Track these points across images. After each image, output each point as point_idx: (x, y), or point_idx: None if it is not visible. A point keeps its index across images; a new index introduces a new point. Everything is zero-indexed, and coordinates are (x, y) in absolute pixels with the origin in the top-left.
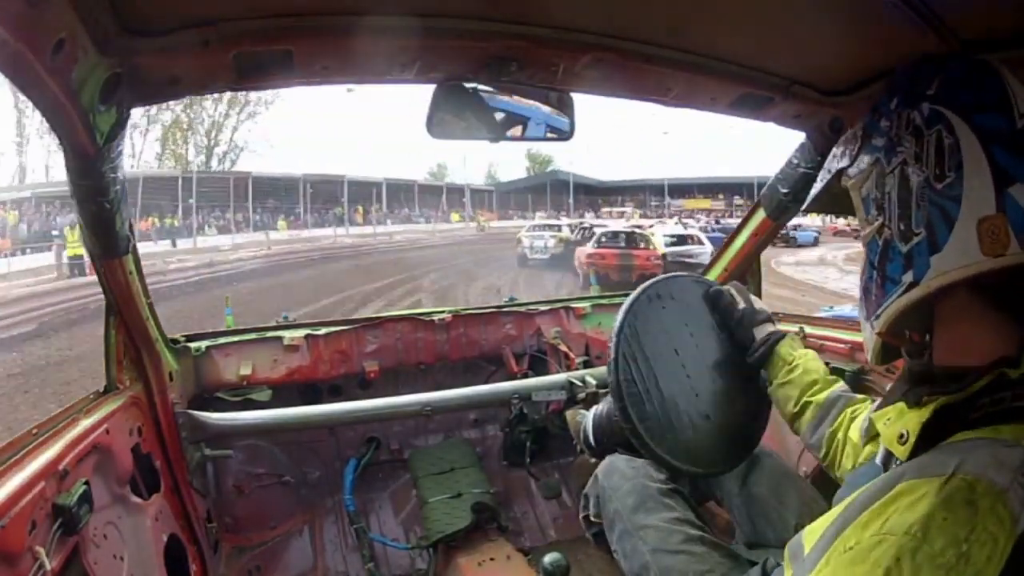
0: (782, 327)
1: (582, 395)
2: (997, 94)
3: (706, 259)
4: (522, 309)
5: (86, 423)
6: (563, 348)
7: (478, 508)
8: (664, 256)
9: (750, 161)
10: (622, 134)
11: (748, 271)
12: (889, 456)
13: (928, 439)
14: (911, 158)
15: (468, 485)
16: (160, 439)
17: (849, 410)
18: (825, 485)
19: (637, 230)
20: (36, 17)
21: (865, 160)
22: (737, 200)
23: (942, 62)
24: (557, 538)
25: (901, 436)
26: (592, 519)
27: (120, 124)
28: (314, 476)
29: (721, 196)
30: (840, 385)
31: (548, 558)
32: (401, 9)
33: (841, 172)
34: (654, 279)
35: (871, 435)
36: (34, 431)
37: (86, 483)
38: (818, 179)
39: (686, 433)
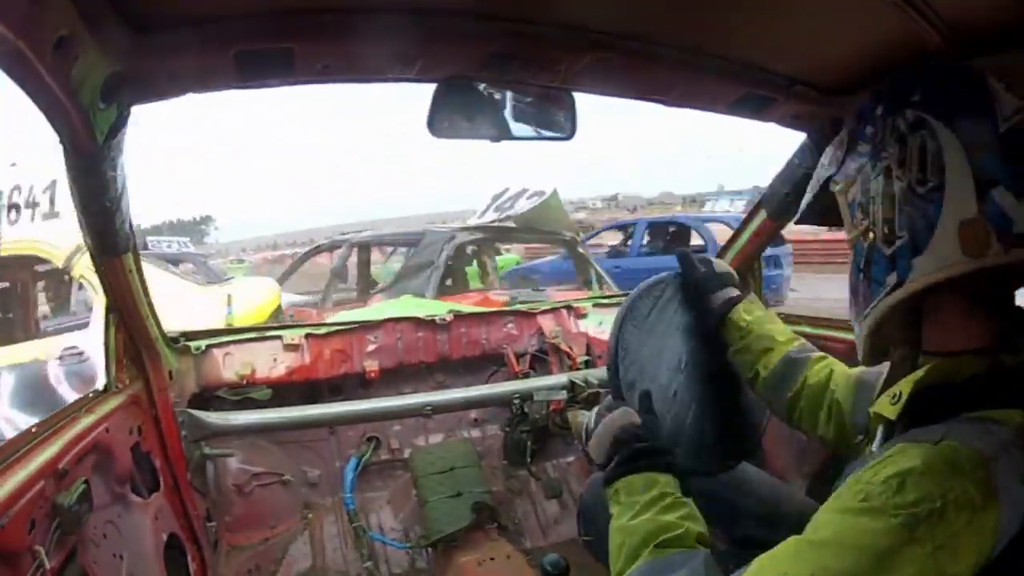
0: (785, 326)
1: (583, 395)
2: (980, 101)
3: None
4: (523, 308)
5: (86, 422)
6: (564, 348)
7: (478, 508)
8: None
9: None
10: None
11: (749, 271)
12: (884, 440)
13: (919, 407)
14: (895, 163)
15: (468, 485)
16: (160, 438)
17: (810, 372)
18: (824, 487)
19: None
20: (36, 14)
21: (852, 166)
22: None
23: (926, 69)
24: (557, 538)
25: (894, 396)
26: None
27: (120, 123)
28: (314, 476)
29: None
30: (794, 346)
31: (548, 558)
32: (403, 7)
33: (828, 180)
34: (653, 278)
35: (870, 435)
36: (34, 430)
37: (86, 482)
38: (808, 189)
39: (686, 432)
